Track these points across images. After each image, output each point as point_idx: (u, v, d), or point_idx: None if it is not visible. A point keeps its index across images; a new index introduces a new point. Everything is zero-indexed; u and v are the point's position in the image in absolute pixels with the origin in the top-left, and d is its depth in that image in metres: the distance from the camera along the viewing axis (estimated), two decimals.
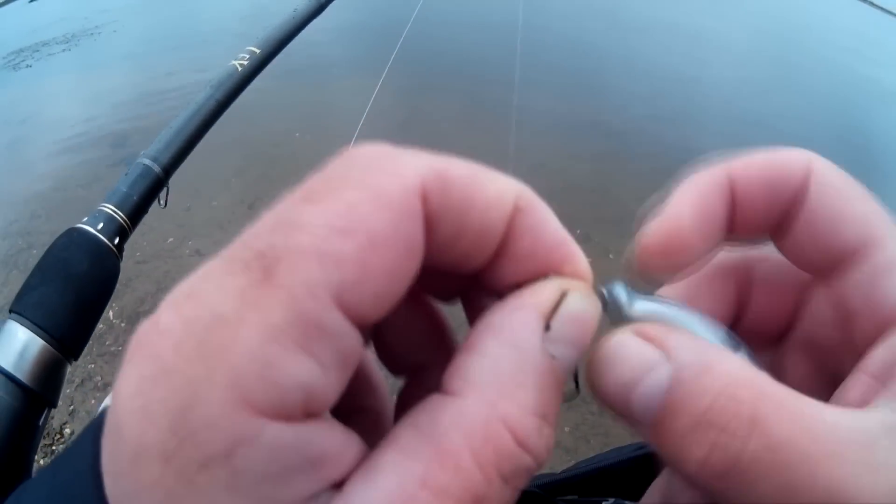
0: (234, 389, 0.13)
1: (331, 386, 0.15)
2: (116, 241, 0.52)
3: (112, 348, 2.75)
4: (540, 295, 0.19)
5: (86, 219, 0.53)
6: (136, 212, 0.56)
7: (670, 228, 0.22)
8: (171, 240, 3.44)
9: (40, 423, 0.46)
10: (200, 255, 3.36)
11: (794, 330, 0.25)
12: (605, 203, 3.93)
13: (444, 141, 4.49)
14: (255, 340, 0.14)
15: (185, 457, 0.13)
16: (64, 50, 6.06)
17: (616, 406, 0.19)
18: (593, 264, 0.21)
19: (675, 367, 0.18)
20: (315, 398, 0.15)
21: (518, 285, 0.20)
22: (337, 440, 0.16)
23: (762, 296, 0.26)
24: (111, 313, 2.90)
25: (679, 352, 0.19)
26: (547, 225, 0.20)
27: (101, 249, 0.51)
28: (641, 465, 0.47)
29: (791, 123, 5.43)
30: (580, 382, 0.21)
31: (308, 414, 0.15)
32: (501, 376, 0.17)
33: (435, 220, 0.17)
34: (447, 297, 0.24)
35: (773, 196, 0.23)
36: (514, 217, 0.19)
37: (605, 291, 0.22)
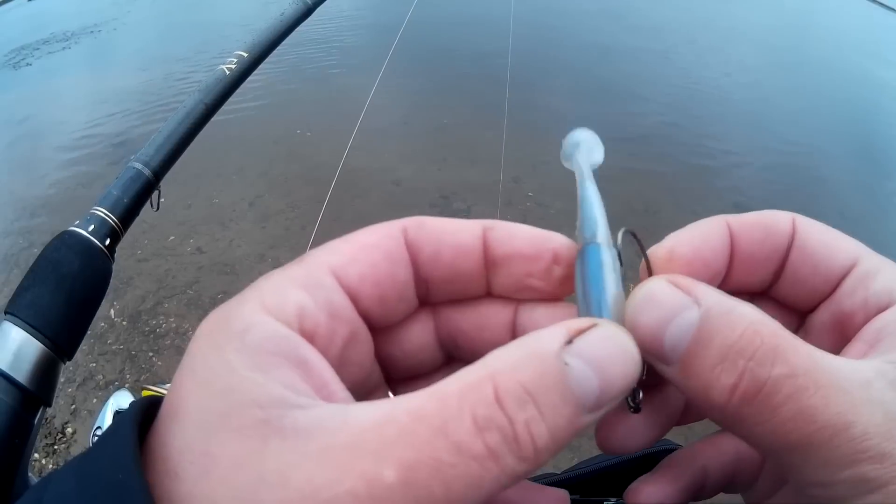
0: (260, 300, 0.22)
1: (320, 316, 0.22)
2: (108, 242, 0.53)
3: (113, 347, 2.76)
4: (573, 321, 0.21)
5: (78, 222, 0.54)
6: (128, 215, 0.57)
7: (669, 254, 0.26)
8: (172, 237, 3.45)
9: (35, 422, 0.47)
10: (202, 253, 3.37)
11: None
12: (608, 201, 3.84)
13: (443, 136, 4.50)
14: (277, 280, 0.23)
15: (222, 338, 0.21)
16: (64, 48, 6.07)
17: (649, 345, 0.22)
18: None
19: (704, 308, 0.21)
20: (305, 315, 0.22)
21: None
22: (319, 360, 0.22)
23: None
24: (112, 311, 2.91)
25: (706, 297, 0.22)
26: (518, 229, 0.27)
27: (93, 251, 0.52)
28: (644, 466, 0.44)
29: (798, 125, 5.41)
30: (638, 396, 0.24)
31: (301, 328, 0.22)
32: (506, 355, 0.20)
33: (417, 243, 0.26)
34: None
35: (768, 238, 0.27)
36: (487, 234, 0.26)
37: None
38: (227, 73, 0.67)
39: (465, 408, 0.18)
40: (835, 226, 0.27)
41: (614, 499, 0.43)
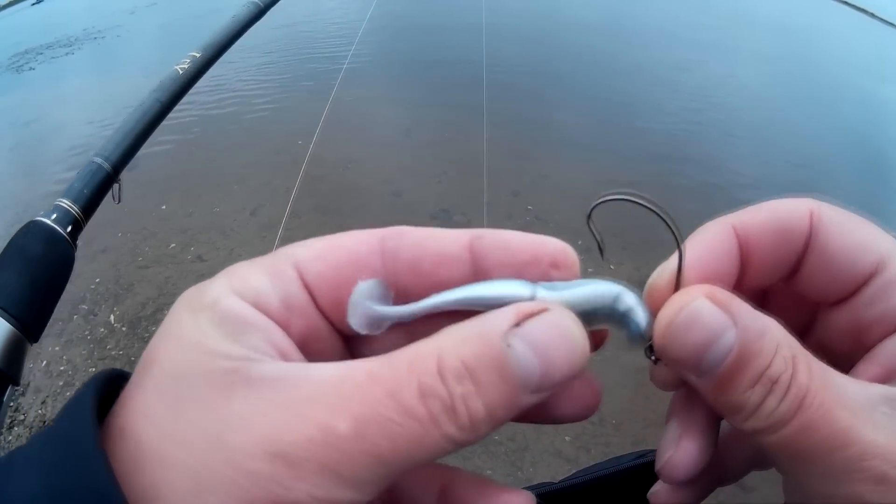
0: (227, 281, 0.24)
1: (273, 301, 0.24)
2: (69, 230, 0.58)
3: (113, 352, 2.77)
4: (529, 305, 0.23)
5: (42, 212, 0.59)
6: (89, 205, 0.62)
7: (672, 277, 0.26)
8: (173, 245, 3.45)
9: (4, 399, 0.50)
10: (202, 261, 3.38)
11: (810, 335, 0.30)
12: (606, 215, 3.79)
13: (444, 149, 4.52)
14: (245, 266, 0.25)
15: (195, 307, 0.23)
16: (67, 53, 6.08)
17: (688, 361, 0.24)
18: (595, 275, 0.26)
19: (741, 330, 0.23)
20: (261, 297, 0.23)
21: None
22: (279, 331, 0.24)
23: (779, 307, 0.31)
24: (112, 317, 2.93)
25: (742, 316, 0.23)
26: (511, 236, 0.26)
27: (55, 237, 0.57)
28: (640, 475, 0.45)
29: (806, 144, 5.39)
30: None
31: (258, 305, 0.23)
32: (456, 332, 0.22)
33: (395, 252, 0.25)
34: None
35: (782, 242, 0.27)
36: (476, 243, 0.25)
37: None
38: (181, 72, 0.72)
39: (413, 375, 0.20)
40: None
41: None
